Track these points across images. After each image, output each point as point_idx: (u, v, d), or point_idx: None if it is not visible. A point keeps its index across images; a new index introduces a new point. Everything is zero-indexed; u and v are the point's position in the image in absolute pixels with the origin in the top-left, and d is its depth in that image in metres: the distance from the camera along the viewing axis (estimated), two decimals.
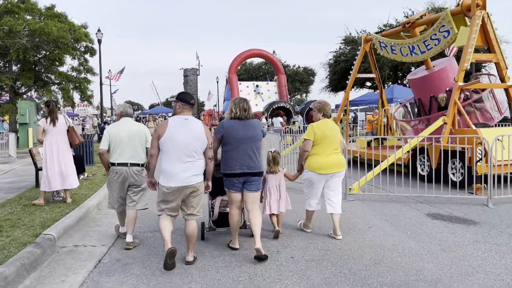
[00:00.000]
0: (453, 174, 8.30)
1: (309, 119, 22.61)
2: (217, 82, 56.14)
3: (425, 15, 10.88)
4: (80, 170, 8.41)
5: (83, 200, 7.01)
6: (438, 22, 9.76)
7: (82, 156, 10.80)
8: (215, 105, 50.60)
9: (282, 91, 28.10)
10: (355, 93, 27.50)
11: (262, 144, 4.80)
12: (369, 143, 11.91)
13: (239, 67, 37.30)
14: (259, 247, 4.37)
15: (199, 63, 53.94)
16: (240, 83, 28.42)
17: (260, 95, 28.25)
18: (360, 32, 27.98)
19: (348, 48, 27.93)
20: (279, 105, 23.33)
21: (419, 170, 9.09)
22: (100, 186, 8.42)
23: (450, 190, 7.34)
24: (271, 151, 5.40)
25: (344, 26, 53.98)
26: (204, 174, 4.39)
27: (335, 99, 55.84)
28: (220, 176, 4.80)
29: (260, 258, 4.32)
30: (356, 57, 14.10)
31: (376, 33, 12.41)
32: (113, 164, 4.96)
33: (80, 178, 8.36)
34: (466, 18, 9.57)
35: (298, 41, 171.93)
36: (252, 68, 52.36)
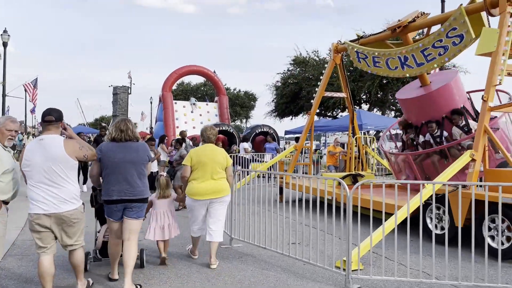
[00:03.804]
0: (492, 237, 5.57)
1: (256, 145, 19.61)
2: (151, 102, 51.90)
3: (417, 17, 8.37)
4: None
5: None
6: (447, 24, 7.19)
7: None
8: (149, 128, 46.33)
9: (223, 113, 24.94)
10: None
11: (147, 168, 4.56)
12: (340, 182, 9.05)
13: (174, 87, 33.73)
14: None
15: (131, 81, 49.50)
16: (175, 103, 24.85)
17: (196, 107, 24.73)
18: (312, 52, 25.90)
19: (297, 69, 25.65)
20: (221, 128, 20.07)
21: (431, 227, 6.28)
22: None
23: (488, 260, 4.55)
24: (162, 175, 5.50)
25: (294, 45, 52.14)
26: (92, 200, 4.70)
27: (281, 125, 53.87)
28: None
29: None
30: (315, 77, 11.26)
31: (352, 41, 9.75)
32: None
33: None
34: (484, 17, 7.16)
35: (239, 67, 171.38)
36: (190, 89, 48.97)
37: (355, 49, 9.20)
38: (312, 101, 11.00)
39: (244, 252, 5.89)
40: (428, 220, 6.47)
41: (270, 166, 11.46)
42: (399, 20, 8.54)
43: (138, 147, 4.49)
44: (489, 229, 5.61)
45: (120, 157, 4.34)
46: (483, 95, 6.35)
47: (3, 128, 3.98)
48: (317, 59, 25.46)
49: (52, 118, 3.97)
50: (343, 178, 9.74)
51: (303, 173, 13.78)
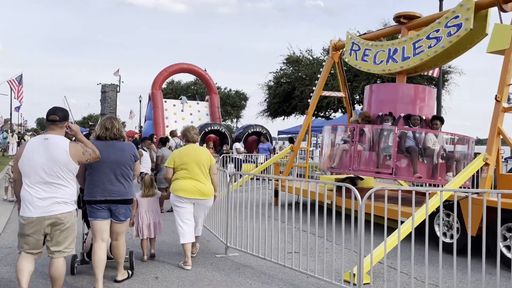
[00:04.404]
0: (508, 248, 5.20)
1: (248, 145, 19.11)
2: (140, 101, 51.05)
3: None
4: None
5: None
6: (452, 10, 6.87)
7: None
8: (139, 127, 45.47)
9: (214, 112, 24.36)
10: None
11: (135, 169, 4.46)
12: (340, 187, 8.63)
13: (164, 85, 33.03)
14: (121, 279, 4.44)
15: (120, 79, 48.54)
16: (165, 101, 24.22)
17: (186, 106, 24.11)
18: (306, 51, 25.45)
19: (291, 68, 25.17)
20: (212, 127, 19.51)
21: (439, 235, 5.88)
22: None
23: (500, 272, 4.17)
24: (146, 174, 5.47)
25: (288, 44, 51.47)
26: (79, 202, 4.48)
27: (273, 125, 53.13)
28: None
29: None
30: (310, 76, 10.79)
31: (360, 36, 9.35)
32: None
33: None
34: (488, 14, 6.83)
35: (229, 67, 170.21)
36: (180, 88, 48.24)
37: (352, 40, 8.92)
38: (308, 100, 10.56)
39: (241, 263, 5.42)
40: (436, 228, 6.08)
41: (265, 168, 11.01)
42: None
43: (124, 146, 4.38)
44: (504, 238, 5.24)
45: (104, 157, 4.16)
46: (496, 95, 5.97)
47: None
48: (311, 58, 25.04)
49: (56, 118, 3.80)
50: (342, 180, 9.35)
51: (298, 175, 13.35)
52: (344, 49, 9.37)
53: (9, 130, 36.16)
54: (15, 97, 35.18)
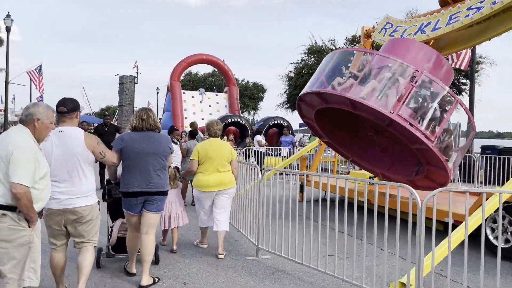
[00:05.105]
0: None
1: (268, 138, 18.60)
2: (157, 93, 50.93)
3: None
4: None
5: None
6: None
7: None
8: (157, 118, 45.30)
9: (233, 104, 23.91)
10: None
11: (168, 160, 4.45)
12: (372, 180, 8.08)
13: (181, 77, 32.68)
14: (145, 284, 4.18)
15: (137, 70, 48.48)
16: (184, 92, 23.86)
17: (205, 97, 23.73)
18: (329, 41, 24.67)
19: (312, 59, 24.45)
20: (233, 119, 19.04)
21: (491, 238, 5.36)
22: None
23: None
24: (170, 166, 5.02)
25: (310, 33, 50.45)
26: (106, 194, 4.61)
27: (292, 117, 52.29)
28: (120, 196, 4.40)
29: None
30: None
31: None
32: None
33: None
34: None
35: (246, 60, 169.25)
36: (197, 80, 47.97)
37: (388, 20, 8.40)
38: None
39: (275, 267, 4.97)
40: (488, 231, 5.51)
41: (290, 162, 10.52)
42: None
43: (160, 138, 4.36)
44: None
45: (142, 148, 4.21)
46: None
47: (47, 121, 3.22)
48: (334, 48, 24.29)
49: (64, 109, 3.68)
50: (374, 176, 8.81)
51: (323, 170, 12.83)
52: (376, 28, 8.85)
53: None
54: (36, 87, 35.23)
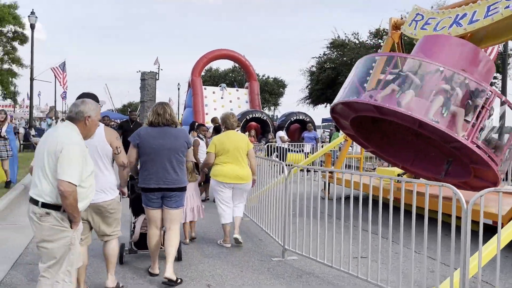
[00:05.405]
0: None
1: (290, 134, 18.31)
2: (178, 89, 51.16)
3: None
4: None
5: None
6: None
7: None
8: (176, 115, 45.60)
9: (254, 99, 23.66)
10: None
11: (187, 156, 4.44)
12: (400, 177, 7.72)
13: (202, 73, 32.64)
14: (170, 276, 4.05)
15: (159, 66, 48.70)
16: (205, 88, 23.76)
17: (226, 92, 23.56)
18: (352, 34, 24.15)
19: (335, 53, 23.99)
20: (254, 115, 18.82)
21: None
22: None
23: None
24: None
25: (332, 27, 49.77)
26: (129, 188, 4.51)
27: (314, 112, 51.91)
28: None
29: (171, 284, 4.06)
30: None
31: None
32: None
33: None
34: None
35: (267, 55, 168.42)
36: (218, 75, 47.89)
37: (417, 11, 8.00)
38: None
39: (302, 269, 4.73)
40: None
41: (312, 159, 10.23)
42: None
43: (177, 133, 4.30)
44: None
45: (159, 144, 4.16)
46: None
47: (96, 118, 3.23)
48: (357, 42, 23.75)
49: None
50: (403, 174, 8.45)
51: (347, 167, 12.49)
52: (405, 20, 8.44)
53: (53, 117, 37.06)
54: (60, 84, 35.74)
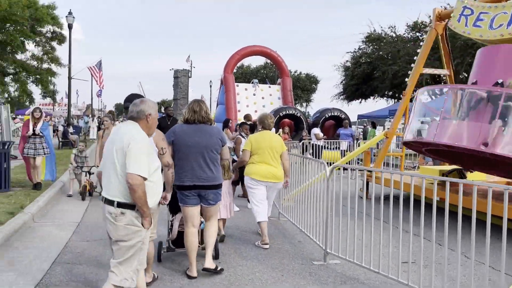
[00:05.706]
0: None
1: (324, 130, 17.90)
2: (210, 86, 51.46)
3: None
4: None
5: None
6: None
7: None
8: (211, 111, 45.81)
9: (287, 95, 23.30)
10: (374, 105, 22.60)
11: (222, 153, 4.39)
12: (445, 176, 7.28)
13: (234, 70, 32.60)
14: (210, 266, 4.21)
15: (191, 64, 49.12)
16: (237, 85, 23.62)
17: (258, 88, 23.31)
18: (389, 28, 23.38)
19: (370, 47, 23.32)
20: (287, 112, 18.53)
21: None
22: None
23: None
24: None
25: (368, 21, 48.85)
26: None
27: (349, 108, 51.31)
28: None
29: (209, 271, 4.21)
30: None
31: None
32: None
33: None
34: None
35: (299, 51, 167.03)
36: (250, 72, 47.84)
37: (464, 4, 7.52)
38: (406, 79, 9.21)
39: (346, 275, 4.47)
40: None
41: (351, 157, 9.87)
42: None
43: (211, 131, 4.30)
44: None
45: (194, 141, 4.17)
46: None
47: (156, 116, 3.33)
48: (394, 35, 22.98)
49: (129, 105, 3.60)
50: (448, 173, 8.01)
51: (385, 165, 12.04)
52: (452, 15, 7.93)
53: (90, 115, 38.00)
54: (96, 83, 36.60)
